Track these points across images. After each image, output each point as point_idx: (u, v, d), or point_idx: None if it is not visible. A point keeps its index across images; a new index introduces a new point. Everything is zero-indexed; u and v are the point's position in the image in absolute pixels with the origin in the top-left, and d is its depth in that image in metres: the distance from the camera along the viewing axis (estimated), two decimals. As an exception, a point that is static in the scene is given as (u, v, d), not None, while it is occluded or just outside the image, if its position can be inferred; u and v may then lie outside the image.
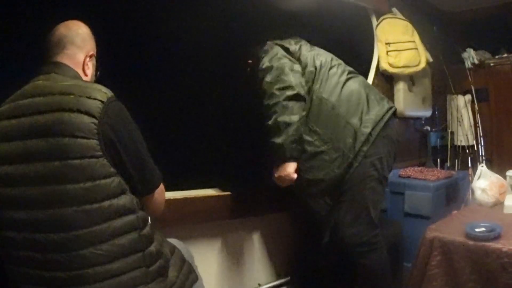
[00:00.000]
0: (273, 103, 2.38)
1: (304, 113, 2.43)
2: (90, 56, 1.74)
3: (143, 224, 1.55)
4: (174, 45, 2.88)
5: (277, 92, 2.38)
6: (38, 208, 1.40)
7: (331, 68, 2.56)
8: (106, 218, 1.43)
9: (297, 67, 2.50)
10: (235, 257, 2.94)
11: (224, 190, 2.81)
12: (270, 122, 2.39)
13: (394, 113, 2.58)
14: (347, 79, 2.56)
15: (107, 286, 1.43)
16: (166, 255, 1.69)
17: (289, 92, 2.37)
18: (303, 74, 2.51)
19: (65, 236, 1.39)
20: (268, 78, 2.43)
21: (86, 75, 1.72)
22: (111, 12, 2.55)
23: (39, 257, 1.41)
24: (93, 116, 1.42)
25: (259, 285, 3.07)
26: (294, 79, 2.42)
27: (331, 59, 2.62)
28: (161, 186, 1.71)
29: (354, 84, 2.56)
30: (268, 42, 2.62)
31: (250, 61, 2.73)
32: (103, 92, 1.49)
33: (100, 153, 1.42)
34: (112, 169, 1.45)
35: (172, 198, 2.54)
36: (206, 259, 2.68)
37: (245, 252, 3.01)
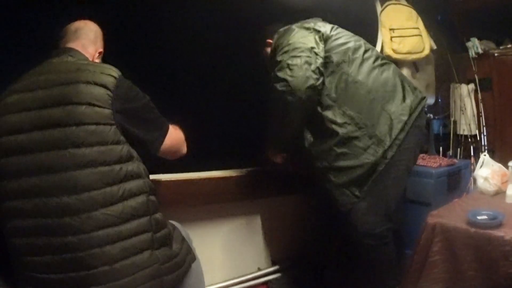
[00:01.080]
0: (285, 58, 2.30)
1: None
2: (99, 53, 1.91)
3: (150, 189, 1.67)
4: (185, 25, 2.87)
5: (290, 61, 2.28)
6: (52, 172, 1.48)
7: (365, 51, 2.48)
8: (117, 180, 1.53)
9: (316, 56, 2.34)
10: (235, 240, 2.94)
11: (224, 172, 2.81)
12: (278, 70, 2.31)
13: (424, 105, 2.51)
14: (382, 65, 2.48)
15: (117, 248, 1.49)
16: (169, 228, 1.77)
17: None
18: (324, 58, 2.37)
19: (78, 197, 1.46)
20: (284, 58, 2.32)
21: None
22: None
23: (49, 223, 1.46)
24: (108, 89, 1.56)
25: (259, 268, 3.07)
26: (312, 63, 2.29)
27: (364, 42, 2.55)
28: (171, 131, 1.86)
29: (389, 71, 2.48)
30: (294, 26, 2.52)
31: (269, 40, 2.67)
32: (114, 70, 1.65)
33: (113, 121, 1.55)
34: (122, 137, 1.58)
35: (172, 179, 2.54)
36: (206, 241, 2.68)
37: (246, 235, 3.01)
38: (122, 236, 1.51)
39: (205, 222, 2.77)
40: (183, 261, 1.76)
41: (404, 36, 3.78)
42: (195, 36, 2.90)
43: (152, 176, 1.84)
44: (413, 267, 2.53)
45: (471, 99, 4.66)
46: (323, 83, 2.35)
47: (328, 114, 2.36)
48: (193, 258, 1.90)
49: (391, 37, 3.76)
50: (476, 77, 4.65)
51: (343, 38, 2.48)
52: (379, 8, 3.87)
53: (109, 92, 1.56)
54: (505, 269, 2.17)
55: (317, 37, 2.41)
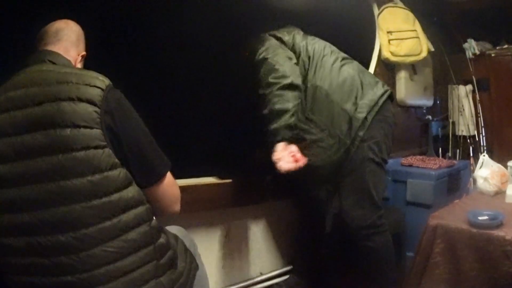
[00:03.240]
0: (268, 92, 2.40)
1: (298, 100, 2.45)
2: (82, 56, 1.71)
3: (151, 216, 1.51)
4: (171, 38, 2.85)
5: (272, 81, 2.40)
6: (41, 208, 1.31)
7: (324, 56, 2.59)
8: (116, 212, 1.37)
9: (291, 55, 2.54)
10: (236, 246, 2.93)
11: (225, 178, 2.80)
12: (266, 111, 2.41)
13: (390, 96, 2.60)
14: (341, 66, 2.59)
15: (120, 285, 1.37)
16: (173, 245, 1.64)
17: (284, 81, 2.39)
18: (297, 63, 2.54)
19: (73, 236, 1.31)
20: (263, 69, 2.45)
21: None
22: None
23: (45, 262, 1.33)
24: (95, 105, 1.34)
25: (261, 273, 3.06)
26: (288, 68, 2.44)
27: (324, 47, 2.65)
28: (170, 180, 1.60)
29: (348, 70, 2.58)
30: (263, 34, 2.63)
31: (247, 53, 2.70)
32: (101, 80, 1.42)
33: (104, 143, 1.35)
34: (116, 160, 1.38)
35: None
36: (207, 247, 2.68)
37: (247, 240, 3.00)
38: (124, 271, 1.38)
39: (205, 228, 2.76)
40: (188, 276, 1.67)
41: (402, 38, 3.80)
42: (189, 38, 2.88)
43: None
44: (414, 269, 2.54)
45: (469, 100, 4.69)
46: None
47: (294, 120, 2.45)
48: (196, 267, 1.79)
49: (389, 40, 3.78)
50: (474, 78, 4.66)
51: (302, 46, 2.61)
52: (376, 11, 3.89)
53: (96, 109, 1.34)
54: (506, 268, 2.18)
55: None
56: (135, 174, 1.44)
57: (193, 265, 1.77)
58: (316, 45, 2.62)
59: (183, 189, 2.53)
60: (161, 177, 1.55)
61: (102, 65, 1.60)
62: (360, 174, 2.48)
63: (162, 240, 1.52)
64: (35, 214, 1.31)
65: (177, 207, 1.69)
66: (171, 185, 1.62)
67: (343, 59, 2.64)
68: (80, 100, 1.33)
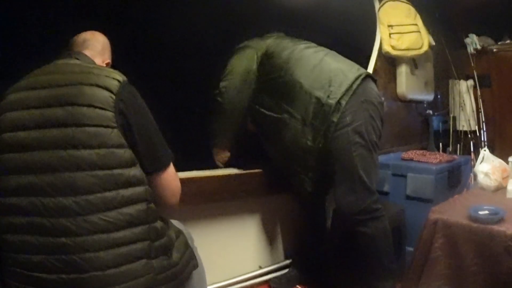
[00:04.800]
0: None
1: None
2: (106, 64, 1.89)
3: (151, 197, 1.59)
4: (170, 39, 2.84)
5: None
6: (50, 172, 1.44)
7: (294, 50, 2.69)
8: (116, 186, 1.48)
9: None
10: (236, 239, 2.94)
11: (224, 171, 2.83)
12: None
13: (371, 78, 2.65)
14: (312, 53, 2.68)
15: (110, 255, 1.45)
16: (171, 236, 1.71)
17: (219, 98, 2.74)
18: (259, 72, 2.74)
19: (75, 200, 1.42)
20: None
21: None
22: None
23: (45, 222, 1.43)
24: (111, 92, 1.51)
25: (260, 267, 3.06)
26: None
27: (294, 43, 2.75)
28: (172, 171, 1.73)
29: (318, 57, 2.65)
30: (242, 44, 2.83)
31: None
32: (119, 75, 1.59)
33: (115, 124, 1.49)
34: (124, 142, 1.51)
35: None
36: (207, 240, 2.66)
37: (246, 233, 3.01)
38: (116, 242, 1.47)
39: (206, 220, 2.76)
40: (182, 271, 1.72)
41: (403, 32, 3.79)
42: (192, 36, 2.87)
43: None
44: (414, 264, 2.53)
45: (470, 95, 4.68)
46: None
47: (272, 114, 2.68)
48: (196, 265, 1.86)
49: (390, 34, 3.77)
50: (475, 73, 4.66)
51: (278, 47, 2.74)
52: (377, 5, 3.88)
53: (112, 95, 1.51)
54: (507, 264, 2.17)
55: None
56: (142, 158, 1.57)
57: (192, 262, 1.82)
58: (288, 49, 2.71)
59: (183, 181, 2.55)
60: (165, 165, 1.69)
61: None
62: (348, 159, 2.47)
63: (157, 224, 1.60)
64: (42, 177, 1.44)
65: (176, 199, 1.80)
66: (173, 177, 1.74)
67: (316, 50, 2.72)
68: (99, 86, 1.51)
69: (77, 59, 1.71)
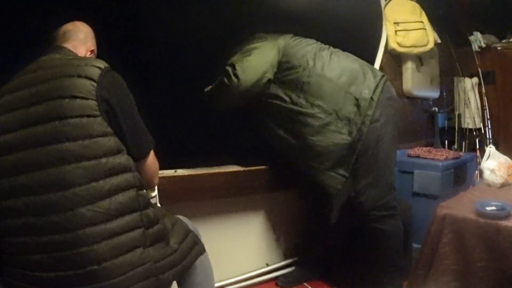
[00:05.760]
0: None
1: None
2: (91, 51, 1.87)
3: (139, 183, 1.59)
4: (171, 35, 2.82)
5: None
6: (37, 169, 1.43)
7: (320, 49, 2.72)
8: (104, 175, 1.46)
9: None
10: (242, 236, 2.94)
11: (230, 167, 2.83)
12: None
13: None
14: (338, 56, 2.72)
15: (105, 247, 1.43)
16: (165, 224, 1.72)
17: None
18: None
19: (63, 194, 1.41)
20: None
21: None
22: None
23: (37, 222, 1.42)
24: (92, 80, 1.49)
25: (267, 264, 3.06)
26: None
27: (319, 43, 2.78)
28: (153, 155, 1.76)
29: (346, 59, 2.72)
30: (260, 34, 2.76)
31: None
32: (101, 62, 1.58)
33: (98, 113, 1.48)
34: (109, 129, 1.50)
35: (179, 175, 2.53)
36: (213, 237, 2.66)
37: (253, 230, 3.01)
38: (110, 233, 1.45)
39: (212, 217, 2.77)
40: (183, 257, 1.71)
41: (409, 29, 3.80)
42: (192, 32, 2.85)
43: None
44: (422, 259, 2.53)
45: (474, 92, 4.67)
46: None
47: (300, 109, 2.59)
48: (201, 250, 1.85)
49: (396, 31, 3.78)
50: (480, 70, 4.65)
51: (299, 45, 2.72)
52: (383, 1, 3.87)
53: (93, 83, 1.49)
54: (514, 258, 2.18)
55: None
56: (129, 144, 1.59)
57: (196, 247, 1.82)
58: (309, 47, 2.72)
59: (189, 178, 2.57)
60: (149, 150, 1.73)
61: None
62: (375, 153, 2.54)
63: (149, 211, 1.60)
64: (31, 176, 1.43)
65: (156, 181, 1.89)
66: (154, 160, 1.78)
67: (336, 51, 2.76)
68: (80, 76, 1.49)
69: (58, 53, 1.69)
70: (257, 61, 2.60)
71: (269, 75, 2.62)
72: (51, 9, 2.16)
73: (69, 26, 1.84)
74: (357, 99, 2.53)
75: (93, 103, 1.47)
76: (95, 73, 1.51)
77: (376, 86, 2.57)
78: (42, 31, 1.89)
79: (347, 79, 2.59)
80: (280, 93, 2.64)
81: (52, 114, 1.44)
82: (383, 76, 2.66)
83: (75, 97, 1.45)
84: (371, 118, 2.50)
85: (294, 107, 2.60)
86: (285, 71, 2.64)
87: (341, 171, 2.56)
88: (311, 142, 2.57)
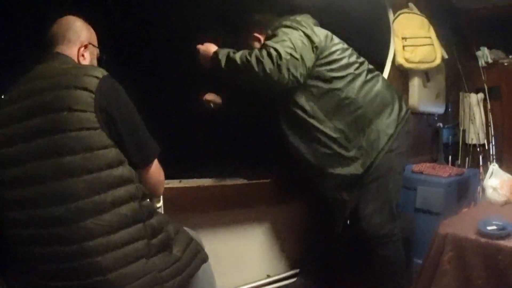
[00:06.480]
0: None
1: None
2: (85, 46, 1.80)
3: (142, 194, 1.59)
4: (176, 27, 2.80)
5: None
6: (39, 183, 1.44)
7: (358, 66, 2.56)
8: (106, 188, 1.47)
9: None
10: (244, 247, 2.95)
11: (232, 179, 2.85)
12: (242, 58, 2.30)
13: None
14: (372, 78, 2.60)
15: (109, 258, 1.44)
16: (169, 232, 1.71)
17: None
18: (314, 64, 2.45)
19: (66, 208, 1.41)
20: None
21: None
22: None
23: (43, 233, 1.44)
24: (90, 91, 1.48)
25: (268, 276, 3.07)
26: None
27: (356, 55, 2.61)
28: (157, 164, 1.74)
29: (378, 85, 2.60)
30: (290, 21, 2.52)
31: (257, 35, 2.66)
32: (98, 71, 1.56)
33: (97, 125, 1.47)
34: (109, 141, 1.50)
35: (184, 186, 2.55)
36: (215, 248, 2.67)
37: (255, 242, 3.02)
38: (114, 245, 1.45)
39: (215, 228, 2.77)
40: (187, 265, 1.71)
41: (416, 45, 3.80)
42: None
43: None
44: (423, 276, 2.54)
45: (480, 108, 4.67)
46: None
47: (321, 127, 2.49)
48: (205, 258, 1.86)
49: (403, 46, 3.78)
50: (485, 86, 4.65)
51: (336, 53, 2.51)
52: (391, 16, 3.89)
53: (91, 94, 1.47)
54: (514, 277, 2.19)
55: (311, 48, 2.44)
56: (131, 153, 1.58)
57: (199, 255, 1.82)
58: (349, 56, 2.56)
59: (193, 189, 2.59)
60: (153, 158, 1.70)
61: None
62: (384, 182, 2.53)
63: (153, 221, 1.60)
64: (34, 189, 1.44)
65: (161, 190, 1.85)
66: (159, 169, 1.76)
67: (372, 71, 2.65)
68: (77, 88, 1.47)
69: (56, 61, 1.66)
70: (301, 61, 2.35)
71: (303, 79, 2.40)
72: (51, 9, 2.08)
73: (54, 28, 1.76)
74: (379, 133, 2.51)
75: (92, 115, 1.47)
76: (93, 83, 1.50)
77: (401, 121, 2.57)
78: (42, 31, 1.82)
79: (376, 109, 2.54)
80: (299, 100, 2.47)
81: (51, 127, 1.45)
82: (407, 110, 2.66)
83: (74, 110, 1.45)
84: (386, 150, 2.51)
85: (316, 125, 2.49)
86: (319, 81, 2.46)
87: (344, 195, 2.60)
88: (327, 162, 2.54)
